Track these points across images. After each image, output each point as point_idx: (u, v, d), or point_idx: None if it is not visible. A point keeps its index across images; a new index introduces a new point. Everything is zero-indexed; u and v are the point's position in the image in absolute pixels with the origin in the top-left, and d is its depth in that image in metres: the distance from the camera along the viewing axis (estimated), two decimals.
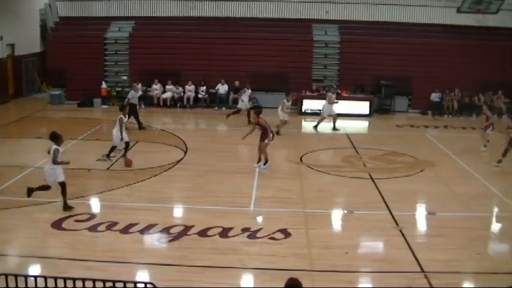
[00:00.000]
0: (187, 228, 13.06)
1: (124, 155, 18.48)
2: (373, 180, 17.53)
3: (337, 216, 14.78)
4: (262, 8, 31.72)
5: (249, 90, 27.11)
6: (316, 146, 21.78)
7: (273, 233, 12.93)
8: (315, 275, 10.78)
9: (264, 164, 17.94)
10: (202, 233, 12.84)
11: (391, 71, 29.44)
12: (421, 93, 29.62)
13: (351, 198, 16.06)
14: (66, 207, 13.96)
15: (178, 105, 29.78)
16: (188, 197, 15.66)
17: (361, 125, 26.89)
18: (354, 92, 29.32)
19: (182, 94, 29.87)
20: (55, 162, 13.74)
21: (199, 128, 26.67)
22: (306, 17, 31.88)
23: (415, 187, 17.20)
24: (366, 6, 31.51)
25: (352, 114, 27.62)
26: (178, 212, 14.74)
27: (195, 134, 25.14)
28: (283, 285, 6.79)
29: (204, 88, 30.12)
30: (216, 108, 29.62)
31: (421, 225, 14.54)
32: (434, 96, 29.55)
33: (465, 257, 12.15)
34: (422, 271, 11.22)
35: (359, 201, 15.59)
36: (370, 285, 11.13)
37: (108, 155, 18.82)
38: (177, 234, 12.77)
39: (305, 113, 28.58)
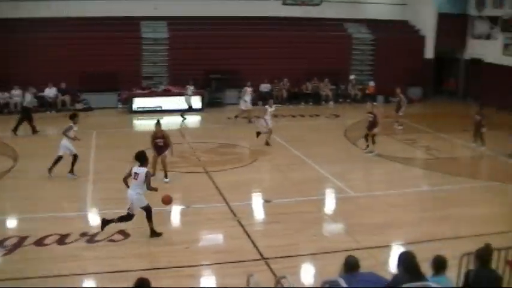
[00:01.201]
0: (22, 239, 12.37)
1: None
2: (207, 174, 17.65)
3: (175, 212, 14.62)
4: (88, 6, 30.73)
5: (250, 89, 26.81)
6: (148, 144, 21.51)
7: (112, 235, 12.60)
8: (157, 273, 10.61)
9: (166, 177, 16.80)
10: (39, 243, 12.25)
11: (221, 64, 29.70)
12: (252, 84, 30.16)
13: (187, 193, 15.97)
14: (154, 233, 12.66)
15: (5, 111, 28.25)
16: (21, 206, 14.82)
17: (194, 120, 26.94)
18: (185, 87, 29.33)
19: (9, 99, 28.39)
20: (149, 188, 12.40)
21: (29, 133, 25.37)
22: (133, 15, 31.33)
23: (249, 177, 17.53)
24: (194, 2, 31.41)
25: (183, 110, 27.62)
26: (11, 223, 13.86)
27: (26, 140, 23.85)
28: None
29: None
30: (48, 112, 28.48)
31: (258, 213, 14.85)
32: (264, 87, 30.25)
33: (302, 240, 12.58)
34: (263, 258, 11.47)
35: (196, 196, 15.62)
36: (212, 277, 11.17)
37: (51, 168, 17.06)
38: (12, 246, 12.04)
39: (136, 112, 28.11)
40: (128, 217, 12.55)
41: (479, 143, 21.34)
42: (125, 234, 12.69)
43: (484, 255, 7.61)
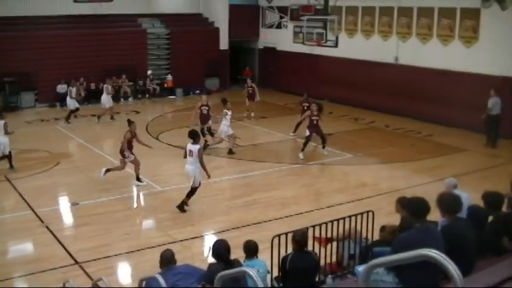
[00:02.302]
0: None
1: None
2: (9, 181, 16.90)
3: None
4: None
5: (110, 86, 26.21)
6: None
7: None
8: None
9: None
10: None
11: (15, 67, 28.22)
12: (48, 86, 29.13)
13: None
14: (182, 207, 14.28)
15: None
16: None
17: None
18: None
19: None
20: (202, 163, 13.95)
21: None
22: None
23: (54, 181, 17.03)
24: None
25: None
26: None
27: None
28: None
29: None
30: None
31: (67, 217, 14.55)
32: (61, 88, 29.35)
33: (114, 239, 12.55)
34: (76, 262, 11.29)
35: None
36: None
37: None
38: None
39: None
40: (193, 191, 14.25)
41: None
42: None
43: (300, 239, 8.08)
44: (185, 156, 14.23)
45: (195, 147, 13.88)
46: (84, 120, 25.96)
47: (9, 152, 17.86)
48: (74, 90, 25.77)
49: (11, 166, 17.88)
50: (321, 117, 19.84)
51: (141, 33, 32.60)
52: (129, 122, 16.92)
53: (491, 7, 21.62)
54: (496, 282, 4.48)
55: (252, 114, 26.11)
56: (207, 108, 20.48)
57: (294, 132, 22.55)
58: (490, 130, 21.18)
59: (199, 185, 14.32)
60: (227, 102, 20.20)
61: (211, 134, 20.69)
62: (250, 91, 24.87)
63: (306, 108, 22.18)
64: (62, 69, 29.22)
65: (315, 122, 19.66)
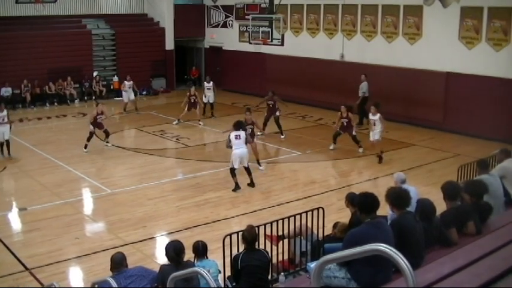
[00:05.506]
0: None
1: None
2: None
3: None
4: None
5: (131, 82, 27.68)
6: None
7: None
8: None
9: None
10: None
11: None
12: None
13: None
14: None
15: None
16: None
17: None
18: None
19: None
20: (251, 141, 16.74)
21: None
22: None
23: (0, 186, 16.75)
24: None
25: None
26: None
27: None
28: None
29: None
30: None
31: (15, 223, 14.26)
32: (5, 91, 28.74)
33: (65, 244, 12.37)
34: (27, 269, 11.09)
35: None
36: None
37: None
38: None
39: None
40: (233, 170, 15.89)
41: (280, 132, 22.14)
42: None
43: (248, 235, 8.15)
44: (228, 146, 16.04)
45: (242, 132, 15.93)
46: (30, 123, 25.53)
47: None
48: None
49: None
50: (352, 118, 19.95)
51: (86, 35, 32.09)
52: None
53: (433, 4, 22.02)
54: (445, 274, 4.61)
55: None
56: (102, 117, 20.70)
57: (282, 134, 22.16)
58: (363, 110, 23.33)
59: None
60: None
61: (107, 135, 20.96)
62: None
63: (271, 106, 22.05)
64: (6, 72, 28.61)
65: (345, 124, 19.82)
